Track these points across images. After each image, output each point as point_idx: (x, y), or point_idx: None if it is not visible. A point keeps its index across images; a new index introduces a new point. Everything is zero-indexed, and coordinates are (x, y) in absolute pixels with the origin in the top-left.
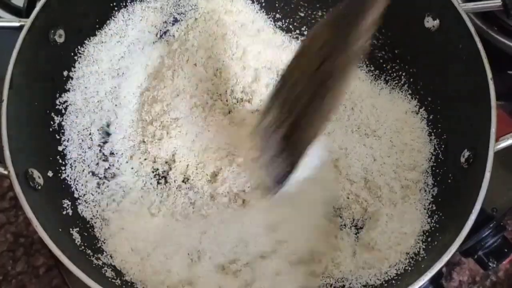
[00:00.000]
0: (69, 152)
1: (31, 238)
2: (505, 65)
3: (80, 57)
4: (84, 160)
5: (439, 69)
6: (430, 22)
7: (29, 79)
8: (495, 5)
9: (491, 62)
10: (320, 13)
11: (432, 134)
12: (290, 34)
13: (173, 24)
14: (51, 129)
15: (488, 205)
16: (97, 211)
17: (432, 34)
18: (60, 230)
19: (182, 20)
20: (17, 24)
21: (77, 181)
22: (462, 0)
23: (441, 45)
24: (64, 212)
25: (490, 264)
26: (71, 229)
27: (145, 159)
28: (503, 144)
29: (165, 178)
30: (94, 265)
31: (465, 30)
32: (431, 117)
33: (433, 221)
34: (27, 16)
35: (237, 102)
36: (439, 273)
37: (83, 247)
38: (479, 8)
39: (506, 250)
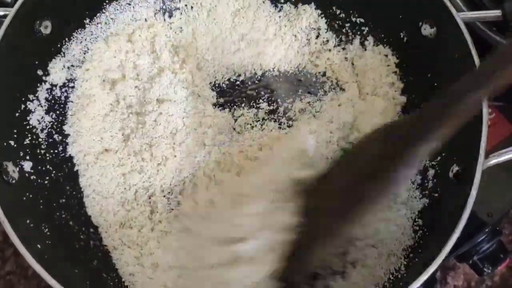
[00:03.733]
0: (48, 145)
1: None
2: None
3: (67, 49)
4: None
5: (434, 79)
6: (428, 30)
7: (10, 71)
8: (494, 15)
9: None
10: None
11: None
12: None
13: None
14: (30, 123)
15: (484, 210)
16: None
17: (429, 42)
18: (32, 225)
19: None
20: (0, 13)
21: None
22: (470, 9)
23: (437, 54)
24: (38, 208)
25: (485, 269)
26: (43, 226)
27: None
28: (493, 161)
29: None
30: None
31: (462, 40)
32: None
33: (417, 236)
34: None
35: None
36: (432, 278)
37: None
38: (478, 18)
39: (502, 256)
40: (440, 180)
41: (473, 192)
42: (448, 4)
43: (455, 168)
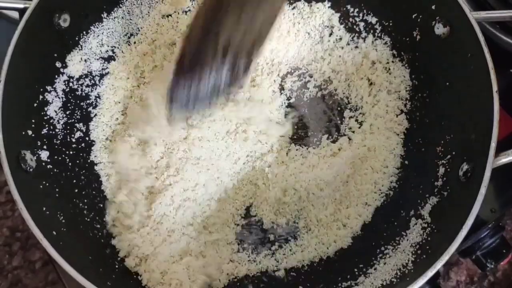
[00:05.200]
0: (64, 135)
1: (27, 232)
2: (508, 63)
3: (85, 42)
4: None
5: (446, 78)
6: (440, 29)
7: (29, 62)
8: (508, 15)
9: (493, 60)
10: None
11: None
12: None
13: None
14: (48, 113)
15: (487, 205)
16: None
17: (442, 41)
18: (48, 213)
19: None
20: (21, 5)
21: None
22: (473, 8)
23: (450, 53)
24: (54, 196)
25: (488, 265)
26: (58, 214)
27: None
28: (504, 160)
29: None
30: (78, 252)
31: (475, 39)
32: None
33: (425, 233)
34: None
35: None
36: (436, 273)
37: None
38: (492, 17)
39: (504, 251)
40: (450, 179)
41: (482, 191)
42: (462, 3)
43: (465, 167)
